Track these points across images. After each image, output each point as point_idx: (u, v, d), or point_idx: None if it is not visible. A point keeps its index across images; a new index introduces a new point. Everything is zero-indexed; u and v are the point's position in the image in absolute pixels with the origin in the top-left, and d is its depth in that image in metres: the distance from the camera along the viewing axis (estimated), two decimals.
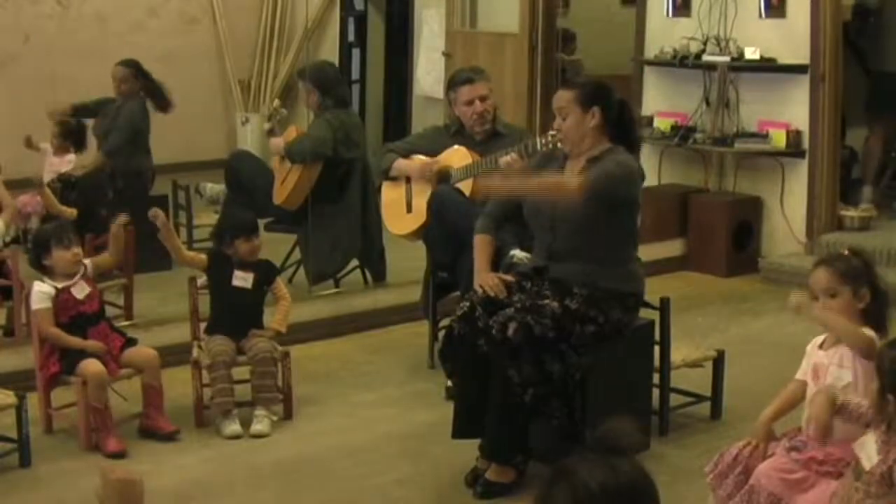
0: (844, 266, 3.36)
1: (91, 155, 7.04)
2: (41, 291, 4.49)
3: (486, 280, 4.22)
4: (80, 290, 4.54)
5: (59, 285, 4.50)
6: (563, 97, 4.24)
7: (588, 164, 4.18)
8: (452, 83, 5.43)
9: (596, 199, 4.02)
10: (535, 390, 3.96)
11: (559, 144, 4.39)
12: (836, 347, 3.34)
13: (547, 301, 4.03)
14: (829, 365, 3.34)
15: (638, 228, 4.45)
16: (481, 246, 4.41)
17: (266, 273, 4.87)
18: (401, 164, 5.49)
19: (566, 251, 4.17)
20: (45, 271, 4.54)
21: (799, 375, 3.48)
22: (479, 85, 5.34)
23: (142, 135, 7.09)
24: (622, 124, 4.24)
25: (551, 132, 4.46)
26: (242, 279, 4.78)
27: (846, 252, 3.47)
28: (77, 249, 4.57)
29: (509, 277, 4.25)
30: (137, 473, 2.35)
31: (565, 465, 1.89)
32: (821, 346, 3.42)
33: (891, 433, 2.95)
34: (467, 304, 4.14)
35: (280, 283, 4.95)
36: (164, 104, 7.16)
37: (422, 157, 5.47)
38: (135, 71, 7.05)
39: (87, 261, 4.65)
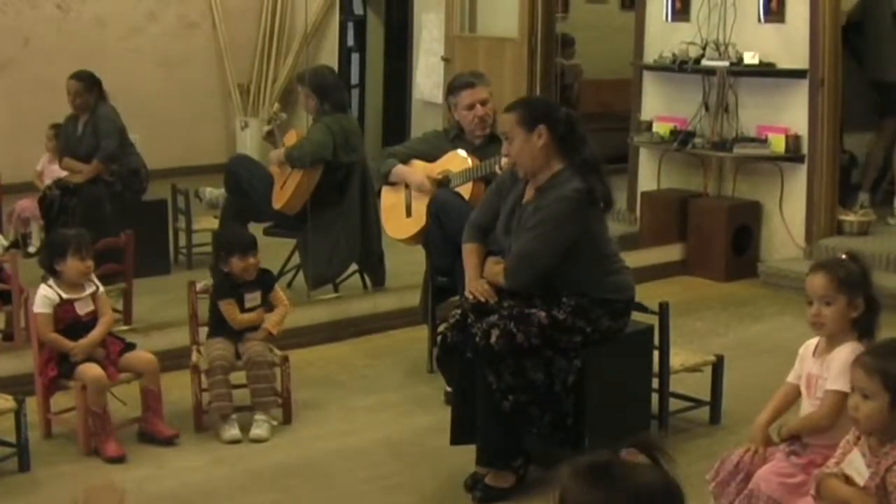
0: (843, 273, 3.33)
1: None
2: (46, 296, 4.48)
3: (476, 286, 4.20)
4: (84, 307, 4.53)
5: (65, 295, 4.49)
6: (506, 120, 4.15)
7: (537, 194, 4.12)
8: (453, 87, 5.43)
9: (527, 281, 4.03)
10: (514, 397, 3.96)
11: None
12: (826, 356, 3.35)
13: (534, 310, 4.02)
14: (819, 378, 3.34)
15: (610, 245, 4.27)
16: (470, 254, 4.39)
17: (266, 282, 4.87)
18: (400, 171, 5.49)
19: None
20: (54, 275, 4.53)
21: (791, 378, 3.48)
22: (479, 89, 5.33)
23: (124, 132, 7.04)
24: (572, 141, 4.11)
25: None
26: (252, 300, 4.78)
27: (844, 257, 3.46)
28: (91, 263, 4.56)
29: (500, 282, 4.24)
30: (120, 486, 2.33)
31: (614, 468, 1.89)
32: (814, 352, 3.42)
33: (878, 445, 2.94)
34: (459, 312, 4.14)
35: (279, 290, 4.95)
36: None
37: (421, 162, 5.47)
38: (88, 84, 6.91)
39: (103, 291, 4.64)
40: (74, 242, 4.52)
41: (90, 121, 6.89)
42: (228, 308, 4.72)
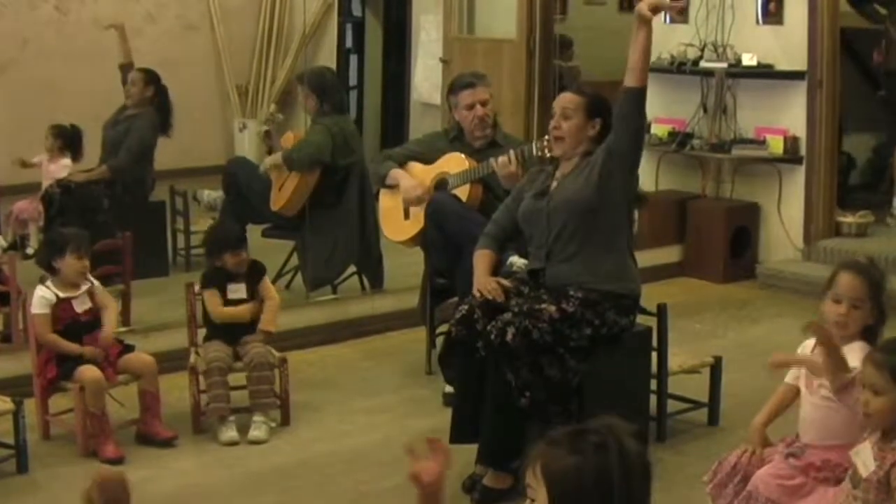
0: (876, 279, 3.32)
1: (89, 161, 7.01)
2: (43, 297, 4.48)
3: (484, 284, 4.23)
4: (81, 304, 4.54)
5: (62, 294, 4.49)
6: (573, 100, 4.30)
7: (582, 158, 4.25)
8: (453, 87, 5.42)
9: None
10: (532, 394, 3.97)
11: (547, 151, 4.43)
12: None
13: (544, 305, 4.05)
14: None
15: (633, 221, 4.46)
16: (481, 258, 4.43)
17: (255, 273, 4.88)
18: (397, 175, 5.47)
19: (562, 245, 4.19)
20: (51, 272, 4.53)
21: (789, 379, 3.48)
22: (480, 89, 5.33)
23: (149, 149, 7.06)
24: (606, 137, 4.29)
25: (546, 137, 4.47)
26: (236, 291, 4.79)
27: (870, 262, 3.45)
28: (87, 262, 4.58)
29: (507, 282, 4.26)
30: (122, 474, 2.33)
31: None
32: (813, 351, 3.41)
33: (887, 440, 2.95)
34: (466, 307, 4.15)
35: (267, 281, 4.94)
36: (165, 127, 7.07)
37: (419, 164, 5.47)
38: (146, 78, 6.96)
39: (98, 284, 4.65)
40: (74, 241, 4.53)
41: (131, 118, 6.91)
42: (211, 298, 4.74)
